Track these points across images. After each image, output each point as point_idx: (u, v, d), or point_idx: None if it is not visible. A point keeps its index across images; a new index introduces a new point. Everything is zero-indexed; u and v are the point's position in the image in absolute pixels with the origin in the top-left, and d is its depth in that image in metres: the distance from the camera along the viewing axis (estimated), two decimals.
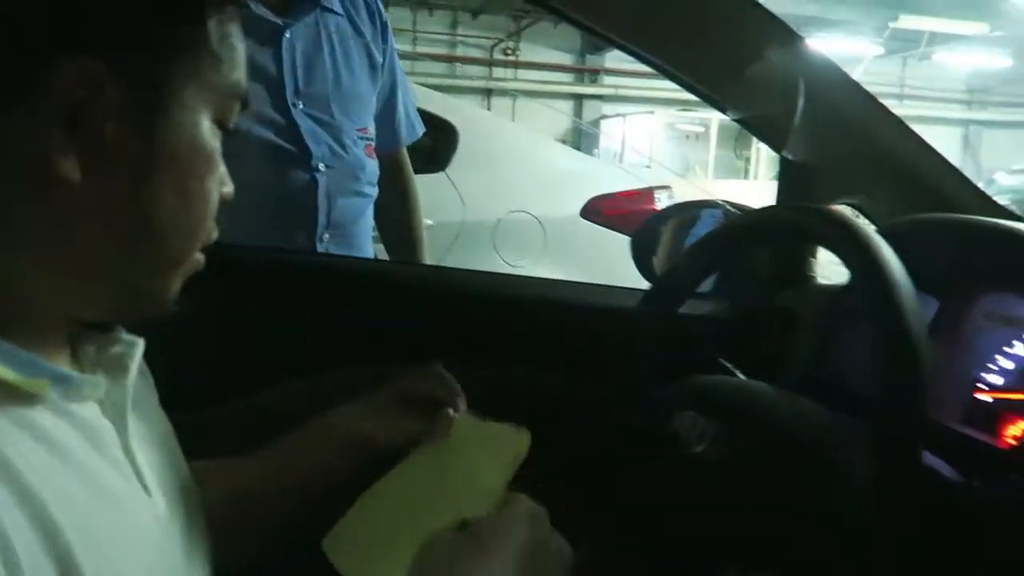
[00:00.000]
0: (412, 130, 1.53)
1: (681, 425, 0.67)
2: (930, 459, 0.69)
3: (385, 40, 1.39)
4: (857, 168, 1.03)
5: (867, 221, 1.00)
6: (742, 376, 0.81)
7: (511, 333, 1.02)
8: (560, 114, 11.91)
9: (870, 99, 1.00)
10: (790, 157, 0.97)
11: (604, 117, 12.17)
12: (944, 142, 13.50)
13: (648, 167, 8.87)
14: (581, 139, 11.34)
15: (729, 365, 0.85)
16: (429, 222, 2.38)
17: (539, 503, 0.52)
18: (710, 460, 0.64)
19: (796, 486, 0.58)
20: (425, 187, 2.45)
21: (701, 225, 1.18)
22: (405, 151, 1.56)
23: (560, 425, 0.98)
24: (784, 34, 0.88)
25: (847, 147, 1.01)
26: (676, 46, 0.92)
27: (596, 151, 10.75)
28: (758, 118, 0.94)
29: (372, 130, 1.36)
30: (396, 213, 1.56)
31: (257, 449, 0.64)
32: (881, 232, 0.83)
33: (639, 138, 11.07)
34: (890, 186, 1.02)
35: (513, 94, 11.41)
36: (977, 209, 0.93)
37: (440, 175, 2.53)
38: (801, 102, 0.90)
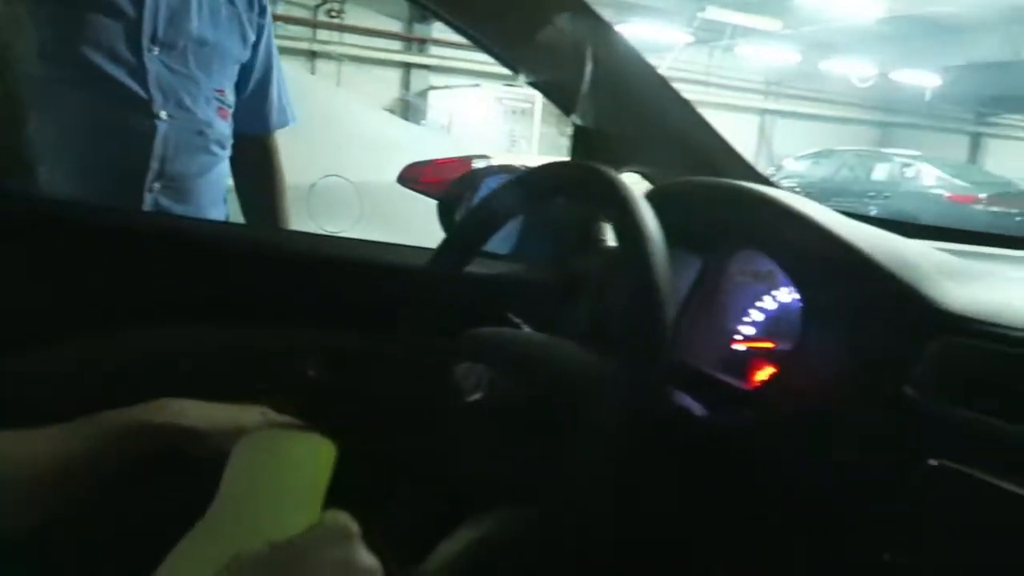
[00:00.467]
0: (283, 117, 1.52)
1: (459, 375, 0.69)
2: (686, 400, 0.75)
3: (262, 19, 1.38)
4: (642, 137, 1.09)
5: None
6: (528, 330, 0.84)
7: (295, 291, 1.00)
8: (387, 82, 11.69)
9: (653, 72, 1.07)
10: (579, 122, 1.01)
11: (432, 88, 12.09)
12: (743, 129, 14.73)
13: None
14: (408, 109, 11.20)
15: (517, 320, 0.88)
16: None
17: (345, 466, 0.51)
18: (485, 408, 0.66)
19: (556, 424, 0.62)
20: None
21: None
22: (275, 140, 1.54)
23: (349, 385, 0.98)
24: (574, 2, 0.91)
25: (633, 116, 1.07)
26: (471, 7, 0.93)
27: (423, 122, 10.68)
28: (549, 82, 0.97)
29: (231, 96, 1.36)
30: (260, 200, 1.54)
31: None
32: (652, 192, 0.90)
33: (467, 111, 11.11)
34: (671, 155, 1.10)
35: (339, 58, 11.04)
36: (742, 176, 1.02)
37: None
38: (589, 69, 0.94)
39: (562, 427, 0.61)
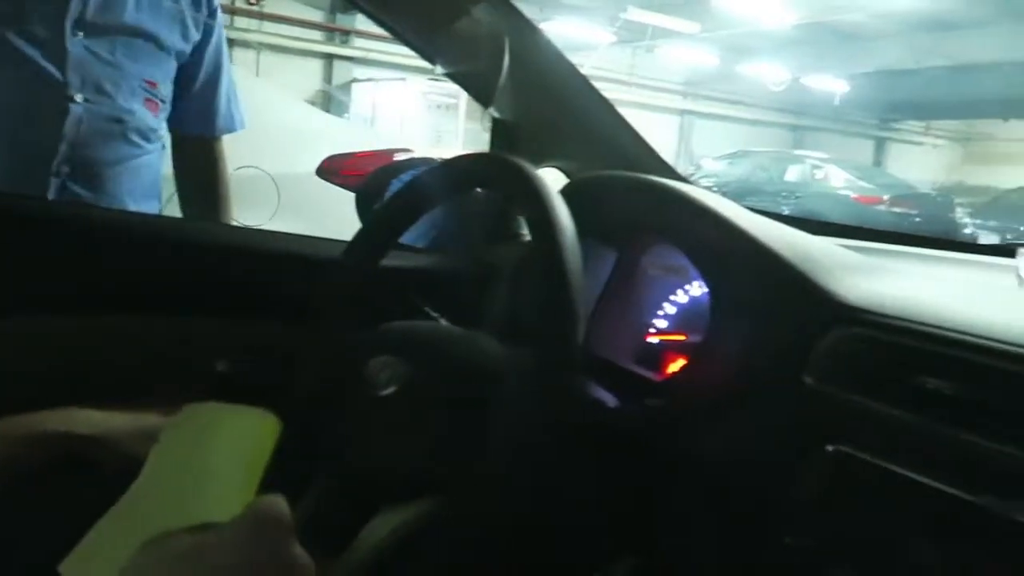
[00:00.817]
0: (230, 122, 1.50)
1: (374, 369, 0.68)
2: (600, 392, 0.76)
3: (211, 20, 1.37)
4: (562, 133, 1.10)
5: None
6: (444, 322, 0.84)
7: (206, 282, 0.97)
8: (308, 73, 11.43)
9: (572, 68, 1.07)
10: (496, 115, 1.01)
11: (356, 81, 11.90)
12: (663, 129, 15.08)
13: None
14: (331, 102, 10.98)
15: (434, 313, 0.87)
16: None
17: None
18: (399, 401, 0.65)
19: (470, 416, 0.61)
20: None
21: None
22: (221, 146, 1.51)
23: (260, 380, 0.95)
24: None
25: (551, 112, 1.08)
26: None
27: (347, 115, 10.50)
28: (466, 74, 0.97)
29: (164, 90, 1.34)
30: (200, 202, 1.50)
31: None
32: (568, 186, 0.90)
33: (391, 105, 10.99)
34: (590, 152, 1.11)
35: (257, 47, 10.73)
36: (656, 172, 1.04)
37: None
38: (507, 61, 0.94)
39: (476, 419, 0.61)
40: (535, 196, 0.61)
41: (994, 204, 11.50)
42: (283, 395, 0.76)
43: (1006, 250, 1.01)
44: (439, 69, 0.96)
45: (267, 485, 0.55)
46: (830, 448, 0.58)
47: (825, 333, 0.65)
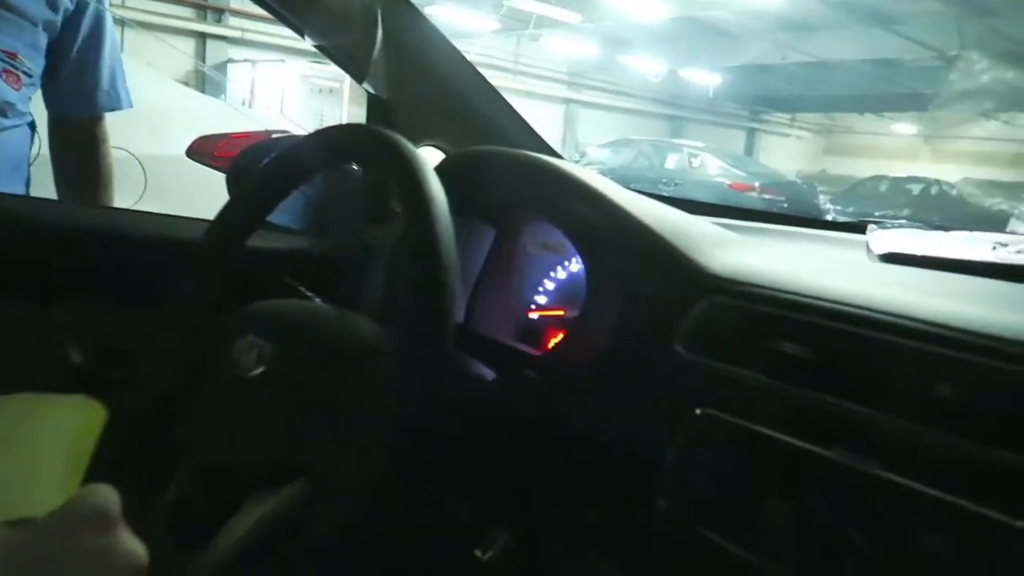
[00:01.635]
0: (114, 100, 1.39)
1: (240, 350, 0.65)
2: (479, 368, 0.76)
3: None
4: (439, 111, 1.09)
5: None
6: (318, 301, 0.81)
7: (63, 267, 0.90)
8: (179, 53, 10.82)
9: (449, 46, 1.06)
10: (371, 91, 0.98)
11: (231, 61, 11.37)
12: (549, 117, 15.28)
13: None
14: (205, 83, 10.45)
15: (308, 293, 0.84)
16: None
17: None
18: (266, 382, 0.63)
19: (339, 397, 0.59)
20: None
21: None
22: (104, 127, 1.40)
23: (125, 364, 0.89)
24: None
25: (429, 89, 1.06)
26: None
27: (223, 96, 10.02)
28: (337, 47, 0.94)
29: (29, 64, 1.24)
30: (77, 185, 1.39)
31: None
32: (445, 162, 0.89)
33: (270, 88, 10.57)
34: (469, 131, 1.10)
35: (122, 22, 10.05)
36: (536, 151, 1.05)
37: None
38: (380, 35, 0.92)
39: (346, 400, 0.59)
40: (406, 169, 0.60)
41: (851, 192, 12.40)
42: (140, 383, 0.72)
43: (858, 227, 1.08)
44: (310, 41, 0.92)
45: (123, 476, 0.51)
46: (698, 412, 0.60)
47: (693, 303, 0.67)
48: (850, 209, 10.46)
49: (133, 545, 0.41)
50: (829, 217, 9.81)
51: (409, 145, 0.62)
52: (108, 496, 0.41)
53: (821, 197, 10.58)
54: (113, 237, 0.98)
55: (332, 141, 0.68)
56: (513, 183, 0.84)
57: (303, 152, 0.70)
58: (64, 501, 0.40)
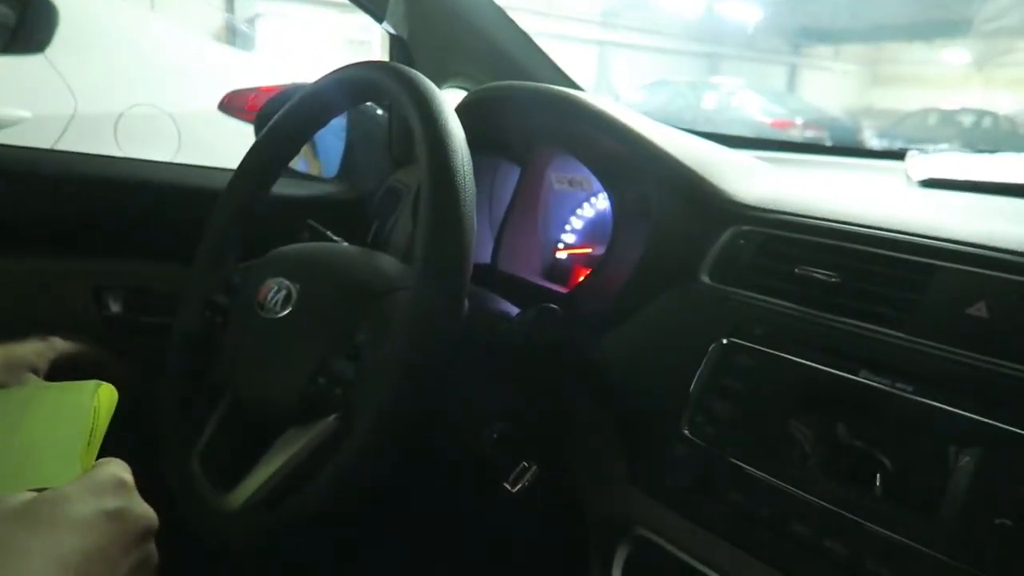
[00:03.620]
0: None
1: (267, 292, 0.65)
2: (505, 305, 0.76)
3: None
4: (462, 50, 1.07)
5: None
6: (343, 244, 0.81)
7: (89, 217, 0.91)
8: (209, 7, 10.80)
9: None
10: (392, 31, 0.97)
11: (259, 16, 11.31)
12: (582, 61, 14.95)
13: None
14: (236, 37, 10.44)
15: (335, 237, 0.85)
16: (24, 114, 2.03)
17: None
18: (293, 323, 0.64)
19: (362, 330, 0.60)
20: (19, 72, 2.08)
21: None
22: None
23: (159, 311, 0.91)
24: None
25: (451, 27, 1.04)
26: None
27: (253, 50, 10.03)
28: None
29: None
30: None
31: None
32: (467, 100, 0.88)
33: (300, 41, 10.53)
34: (494, 70, 1.08)
35: None
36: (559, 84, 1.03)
37: (40, 59, 2.16)
38: None
39: (370, 337, 0.60)
40: (421, 103, 0.59)
41: (899, 125, 11.94)
42: (174, 328, 0.74)
43: (898, 154, 1.04)
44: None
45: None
46: (724, 341, 0.60)
47: (719, 233, 0.66)
48: (898, 144, 10.11)
49: (146, 508, 0.45)
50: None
51: (426, 80, 0.61)
52: (122, 467, 0.46)
53: (867, 132, 10.23)
54: (147, 188, 0.99)
55: (350, 79, 0.67)
56: (536, 118, 0.82)
57: (322, 92, 0.69)
58: (83, 473, 0.45)
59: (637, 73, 14.61)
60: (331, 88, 0.68)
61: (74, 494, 0.43)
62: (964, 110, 12.12)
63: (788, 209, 0.65)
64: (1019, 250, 0.52)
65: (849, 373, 0.53)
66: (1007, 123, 11.40)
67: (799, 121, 9.56)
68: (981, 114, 11.60)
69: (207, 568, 0.77)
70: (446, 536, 0.80)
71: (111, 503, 0.43)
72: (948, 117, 11.95)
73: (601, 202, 0.91)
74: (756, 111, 10.05)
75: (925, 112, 12.54)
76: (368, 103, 1.07)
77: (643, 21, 15.85)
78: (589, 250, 0.91)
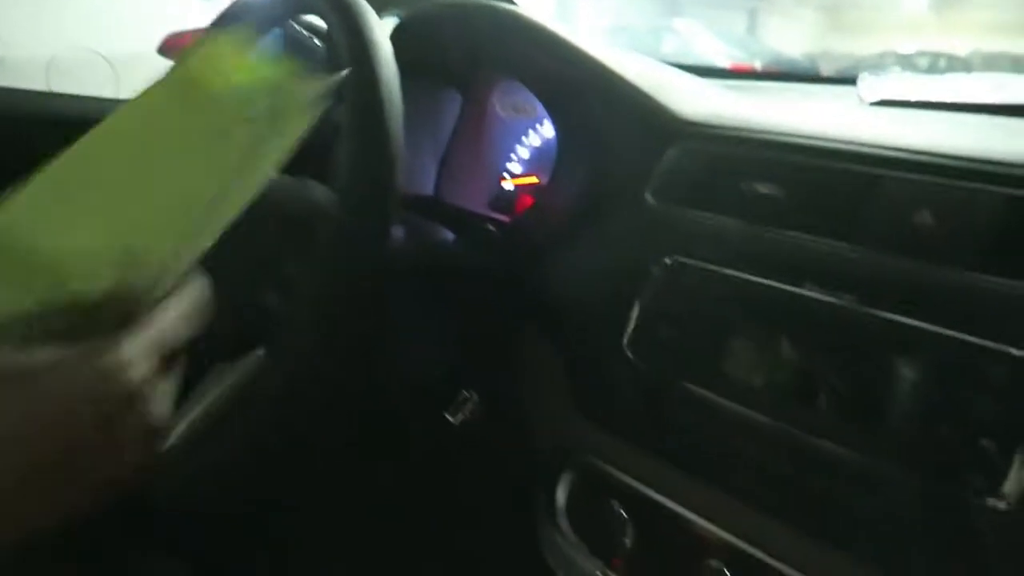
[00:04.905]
0: None
1: None
2: (445, 234, 0.73)
3: None
4: None
5: None
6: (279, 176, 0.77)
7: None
8: None
9: None
10: None
11: None
12: (540, 1, 14.65)
13: None
14: None
15: None
16: None
17: None
18: (221, 253, 0.60)
19: (290, 260, 0.57)
20: None
21: None
22: None
23: None
24: None
25: None
26: None
27: None
28: None
29: None
30: None
31: None
32: (403, 23, 0.83)
33: None
34: None
35: None
36: None
37: None
38: None
39: (298, 267, 0.57)
40: (346, 13, 0.55)
41: (856, 67, 11.96)
42: None
43: (852, 80, 1.02)
44: None
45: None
46: (667, 260, 0.58)
47: (664, 150, 0.63)
48: None
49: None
50: None
51: (361, 6, 0.56)
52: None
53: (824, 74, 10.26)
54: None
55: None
56: (474, 38, 0.78)
57: (251, 7, 0.65)
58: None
59: (597, 15, 14.38)
60: (260, 5, 0.64)
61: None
62: (921, 52, 12.19)
63: (733, 125, 0.62)
64: (963, 155, 0.50)
65: (792, 286, 0.51)
66: (961, 64, 11.50)
67: (758, 65, 9.55)
68: (936, 56, 11.68)
69: (138, 521, 0.74)
70: (384, 474, 0.78)
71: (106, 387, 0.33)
72: (905, 60, 12.00)
73: (547, 130, 0.88)
74: (717, 56, 9.99)
75: (882, 55, 12.58)
76: (304, 32, 1.02)
77: None
78: (535, 179, 0.88)
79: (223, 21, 0.68)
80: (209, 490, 0.54)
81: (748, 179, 0.57)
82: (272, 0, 0.64)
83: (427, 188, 0.87)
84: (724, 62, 9.70)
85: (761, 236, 0.55)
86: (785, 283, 0.52)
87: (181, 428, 0.58)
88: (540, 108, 0.82)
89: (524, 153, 0.90)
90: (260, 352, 0.57)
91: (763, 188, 0.56)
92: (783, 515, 0.50)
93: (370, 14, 0.56)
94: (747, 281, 0.54)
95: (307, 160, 0.97)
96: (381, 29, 0.56)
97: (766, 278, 0.53)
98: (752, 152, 0.59)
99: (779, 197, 0.55)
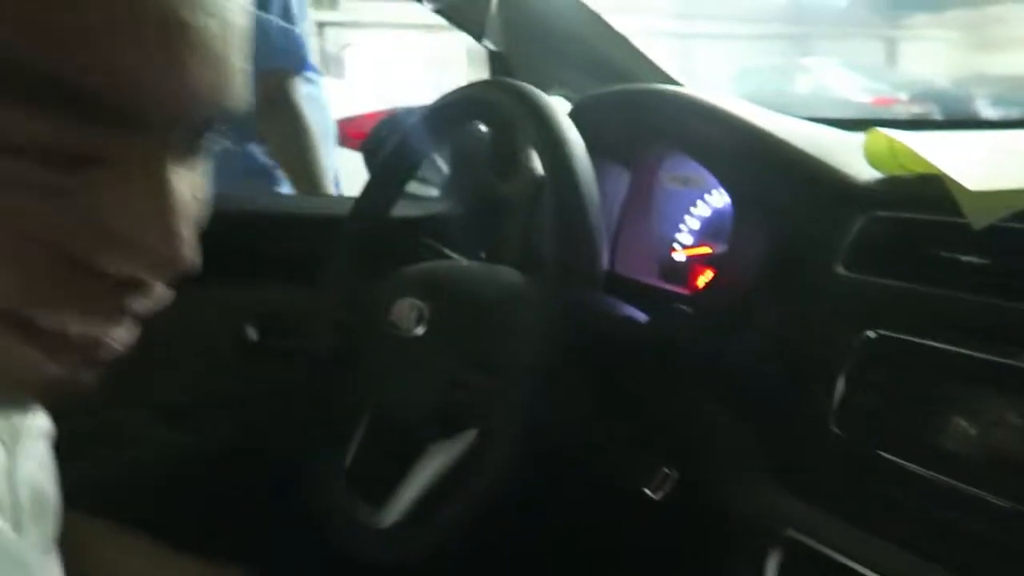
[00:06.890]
0: (285, 55, 1.38)
1: (399, 312, 0.68)
2: (629, 310, 0.75)
3: None
4: (560, 58, 1.07)
5: None
6: (463, 261, 0.83)
7: (223, 249, 0.97)
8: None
9: None
10: (491, 47, 0.99)
11: (348, 45, 11.76)
12: (665, 56, 14.70)
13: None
14: (329, 65, 10.88)
15: (452, 254, 0.87)
16: None
17: None
18: (428, 339, 0.65)
19: (493, 343, 0.61)
20: None
21: None
22: (293, 84, 1.41)
23: (287, 339, 0.96)
24: None
25: (547, 36, 1.05)
26: None
27: (344, 77, 10.41)
28: (453, 7, 0.94)
29: None
30: (275, 146, 1.43)
31: None
32: (574, 109, 0.88)
33: (389, 63, 10.87)
34: (592, 74, 1.08)
35: None
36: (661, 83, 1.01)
37: None
38: None
39: (500, 349, 0.61)
40: (539, 115, 0.60)
41: (1015, 89, 11.12)
42: (308, 354, 0.77)
43: (1018, 123, 0.97)
44: (427, 5, 0.93)
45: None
46: (870, 334, 0.57)
47: (851, 219, 0.63)
48: (1015, 110, 9.42)
49: None
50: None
51: (539, 92, 0.62)
52: None
53: (980, 101, 9.58)
54: (271, 218, 1.05)
55: (464, 98, 0.69)
56: (645, 119, 0.82)
57: (436, 115, 0.71)
58: None
59: (722, 64, 14.25)
60: (445, 109, 0.70)
61: None
62: None
63: (921, 189, 0.62)
64: None
65: (1008, 358, 0.50)
66: None
67: (904, 96, 9.07)
68: None
69: None
70: (584, 546, 0.80)
71: None
72: None
73: (716, 199, 0.89)
74: (855, 90, 9.60)
75: None
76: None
77: (724, 7, 15.44)
78: (708, 249, 0.90)
79: (415, 131, 0.75)
80: (431, 566, 0.58)
81: (947, 247, 0.56)
82: (461, 105, 0.71)
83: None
84: (865, 97, 9.31)
85: (968, 306, 0.54)
86: (999, 356, 0.50)
87: (402, 505, 0.63)
88: (708, 178, 0.84)
89: (694, 224, 0.92)
90: (473, 432, 0.61)
91: (965, 256, 0.55)
92: None
93: (559, 112, 0.61)
94: (956, 353, 0.52)
95: (473, 242, 1.03)
96: (571, 125, 0.60)
97: (976, 350, 0.51)
98: (948, 218, 0.58)
99: (984, 264, 0.54)
